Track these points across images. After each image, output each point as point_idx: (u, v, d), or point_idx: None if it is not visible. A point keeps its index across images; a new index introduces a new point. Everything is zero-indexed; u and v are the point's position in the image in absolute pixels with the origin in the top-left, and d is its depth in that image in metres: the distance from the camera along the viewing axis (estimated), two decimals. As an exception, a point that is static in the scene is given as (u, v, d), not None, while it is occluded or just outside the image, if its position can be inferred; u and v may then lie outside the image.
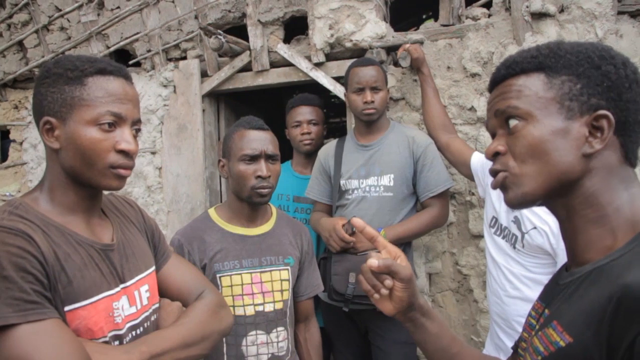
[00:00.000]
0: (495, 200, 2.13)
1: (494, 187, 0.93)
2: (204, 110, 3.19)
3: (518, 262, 1.98)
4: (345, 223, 2.34)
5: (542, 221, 1.89)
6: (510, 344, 2.00)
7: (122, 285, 1.22)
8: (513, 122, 0.88)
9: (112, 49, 3.28)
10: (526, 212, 1.95)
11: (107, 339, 1.15)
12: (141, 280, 1.29)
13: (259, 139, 1.79)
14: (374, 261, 1.00)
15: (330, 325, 2.61)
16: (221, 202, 3.35)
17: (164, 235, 1.49)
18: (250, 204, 1.82)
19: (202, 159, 3.15)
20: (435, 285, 2.77)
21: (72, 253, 1.11)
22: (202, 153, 3.15)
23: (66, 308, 1.07)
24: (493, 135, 0.95)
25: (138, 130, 1.23)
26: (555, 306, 0.87)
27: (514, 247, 2.00)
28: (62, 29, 3.41)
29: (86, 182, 1.17)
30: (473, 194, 2.65)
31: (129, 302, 1.23)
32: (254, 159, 1.78)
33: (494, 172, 0.93)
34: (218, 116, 3.38)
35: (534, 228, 1.92)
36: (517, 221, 2.00)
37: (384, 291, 1.04)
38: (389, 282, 1.03)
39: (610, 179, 0.85)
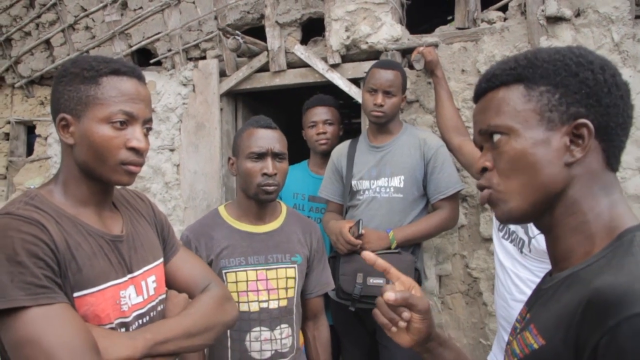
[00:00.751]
0: None
1: (481, 202, 0.94)
2: (221, 109, 3.25)
3: (525, 267, 1.98)
4: (352, 226, 2.37)
5: None
6: None
7: (129, 275, 1.27)
8: (497, 137, 0.89)
9: (134, 48, 3.37)
10: None
11: (113, 325, 1.20)
12: (148, 271, 1.34)
13: (266, 137, 1.82)
14: (391, 294, 0.98)
15: (339, 324, 2.64)
16: (236, 199, 3.42)
17: (173, 229, 1.55)
18: (257, 201, 1.85)
19: (219, 157, 3.21)
20: (445, 287, 2.78)
21: (82, 242, 1.16)
22: (219, 151, 3.21)
23: (75, 294, 1.13)
24: (481, 148, 0.96)
25: (149, 129, 1.29)
26: (535, 310, 0.89)
27: (521, 252, 2.00)
28: (87, 28, 3.51)
29: (98, 177, 1.22)
30: (485, 197, 2.65)
31: (136, 291, 1.28)
32: (260, 156, 1.81)
33: (480, 188, 0.94)
34: (236, 115, 3.44)
35: (540, 233, 1.92)
36: (524, 225, 2.00)
37: (402, 324, 1.02)
38: (407, 314, 1.01)
39: (592, 185, 0.85)
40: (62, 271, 1.10)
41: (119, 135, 1.19)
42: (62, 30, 3.54)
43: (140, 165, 1.25)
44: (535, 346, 0.80)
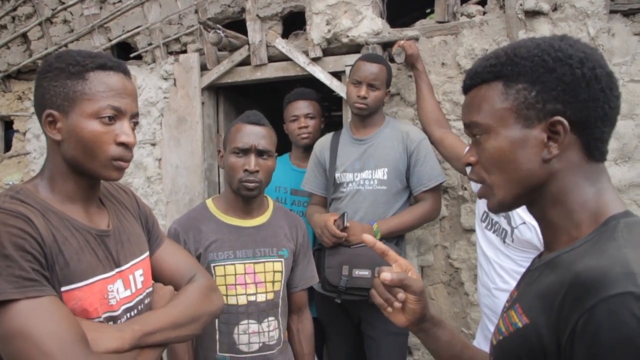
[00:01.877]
0: None
1: (479, 197, 0.99)
2: (203, 103, 3.23)
3: (508, 257, 2.02)
4: (336, 219, 2.39)
5: (531, 217, 1.93)
6: None
7: (117, 269, 1.27)
8: (478, 134, 0.93)
9: (113, 42, 3.33)
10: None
11: (101, 319, 1.20)
12: (136, 265, 1.34)
13: (252, 134, 1.82)
14: (387, 275, 1.03)
15: (323, 316, 2.67)
16: (218, 193, 3.41)
17: (157, 220, 1.55)
18: (239, 196, 1.87)
19: (200, 151, 3.20)
20: (427, 278, 2.82)
21: (69, 237, 1.16)
22: (200, 145, 3.20)
23: (63, 288, 1.13)
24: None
25: (136, 124, 1.29)
26: (520, 290, 0.92)
27: (504, 242, 2.04)
28: (65, 21, 3.46)
29: (87, 172, 1.22)
30: (465, 188, 2.70)
31: (124, 285, 1.28)
32: (244, 152, 1.82)
33: (474, 181, 0.98)
34: (217, 109, 3.43)
35: (523, 223, 1.95)
36: (507, 216, 2.04)
37: (397, 304, 1.07)
38: (402, 295, 1.06)
39: (575, 177, 0.88)
40: (50, 265, 1.10)
41: (108, 131, 1.19)
42: (40, 24, 3.48)
43: (130, 160, 1.26)
44: (520, 325, 0.83)
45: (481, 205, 2.20)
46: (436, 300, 2.80)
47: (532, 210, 0.96)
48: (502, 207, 0.95)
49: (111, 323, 1.23)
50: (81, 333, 1.06)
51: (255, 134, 1.83)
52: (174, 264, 1.48)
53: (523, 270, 1.92)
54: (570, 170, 0.87)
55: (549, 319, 0.77)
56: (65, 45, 3.41)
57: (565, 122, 0.84)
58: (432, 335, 1.12)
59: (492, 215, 2.12)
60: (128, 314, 1.29)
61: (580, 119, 0.85)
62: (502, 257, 2.06)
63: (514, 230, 2.00)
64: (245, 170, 1.80)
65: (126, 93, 1.23)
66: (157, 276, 1.45)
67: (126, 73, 1.26)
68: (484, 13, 2.69)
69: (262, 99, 4.26)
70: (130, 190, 1.51)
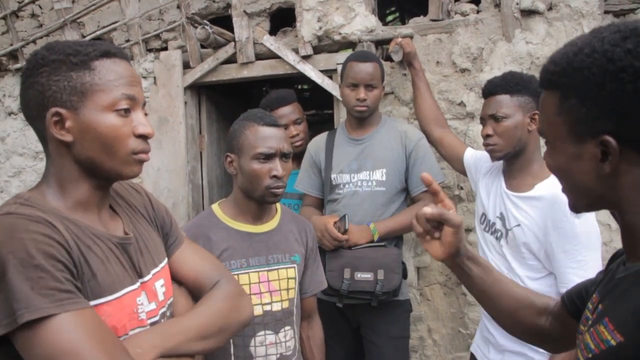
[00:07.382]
0: (484, 197, 2.15)
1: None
2: (185, 103, 3.10)
3: (505, 258, 2.01)
4: (336, 221, 2.32)
5: (528, 217, 1.91)
6: (499, 337, 2.01)
7: (141, 281, 1.17)
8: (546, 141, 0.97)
9: (87, 38, 3.15)
10: (512, 209, 1.97)
11: (128, 337, 1.10)
12: (157, 275, 1.24)
13: (275, 137, 1.73)
14: (428, 209, 1.11)
15: (321, 321, 2.59)
16: (202, 196, 3.28)
17: (175, 219, 1.43)
18: (260, 202, 1.78)
19: (184, 152, 3.06)
20: (424, 279, 2.79)
21: (92, 245, 1.06)
22: (184, 147, 3.06)
23: (91, 303, 1.02)
24: None
25: (146, 114, 1.19)
26: (609, 302, 0.86)
27: (500, 243, 2.03)
28: (33, 15, 3.25)
29: (105, 173, 1.11)
30: (462, 188, 2.68)
31: (148, 298, 1.18)
32: (268, 157, 1.72)
33: None
34: (199, 109, 3.29)
35: (517, 225, 1.94)
36: (502, 218, 2.02)
37: (437, 234, 1.15)
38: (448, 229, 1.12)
39: None
40: (79, 275, 1.00)
41: (125, 123, 1.09)
42: (4, 18, 3.25)
43: (149, 152, 1.16)
44: (613, 342, 0.77)
45: (480, 206, 2.18)
46: (432, 301, 2.77)
47: (613, 215, 0.92)
48: (576, 210, 0.96)
49: None
50: (124, 348, 0.99)
51: (278, 137, 1.74)
52: (195, 267, 1.37)
53: (523, 271, 1.93)
54: (636, 183, 0.83)
55: None
56: (34, 42, 3.21)
57: (613, 142, 0.79)
58: (466, 268, 1.18)
59: (488, 216, 2.10)
60: None
61: (634, 135, 0.80)
62: (499, 258, 2.04)
63: (508, 232, 1.98)
64: (274, 177, 1.71)
65: (136, 81, 1.13)
66: (179, 280, 1.35)
67: (129, 60, 1.17)
68: (478, 11, 2.67)
69: (242, 98, 4.14)
70: (142, 188, 1.38)
